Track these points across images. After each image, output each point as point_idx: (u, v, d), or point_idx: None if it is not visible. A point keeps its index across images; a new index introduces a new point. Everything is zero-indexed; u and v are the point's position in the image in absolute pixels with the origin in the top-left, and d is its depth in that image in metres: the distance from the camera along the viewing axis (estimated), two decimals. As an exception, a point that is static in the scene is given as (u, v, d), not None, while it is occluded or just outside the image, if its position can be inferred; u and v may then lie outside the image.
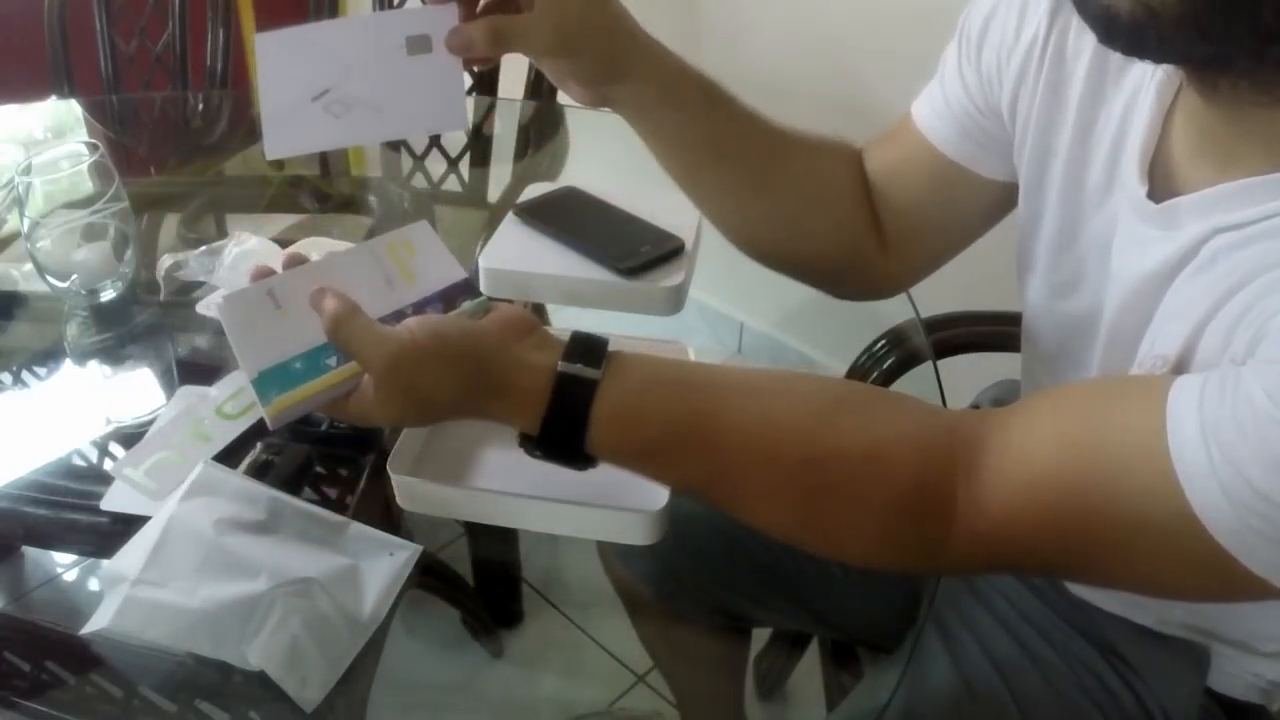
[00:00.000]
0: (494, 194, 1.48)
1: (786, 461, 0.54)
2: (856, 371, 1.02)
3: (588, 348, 0.56)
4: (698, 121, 0.71)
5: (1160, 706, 0.71)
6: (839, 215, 0.76)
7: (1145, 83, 0.58)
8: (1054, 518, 0.49)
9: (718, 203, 0.76)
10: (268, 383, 0.57)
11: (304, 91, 0.64)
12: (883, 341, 1.01)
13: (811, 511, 0.55)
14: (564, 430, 0.54)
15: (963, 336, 1.08)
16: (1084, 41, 0.62)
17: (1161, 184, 0.56)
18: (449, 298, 0.61)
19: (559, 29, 0.64)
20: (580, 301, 0.99)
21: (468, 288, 0.62)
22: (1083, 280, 0.65)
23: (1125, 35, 0.47)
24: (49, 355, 1.00)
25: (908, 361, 1.00)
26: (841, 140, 0.79)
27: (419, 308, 0.59)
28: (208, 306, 0.99)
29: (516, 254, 0.99)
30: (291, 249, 0.67)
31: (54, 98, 1.70)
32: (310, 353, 0.57)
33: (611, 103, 0.70)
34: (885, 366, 1.00)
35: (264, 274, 0.61)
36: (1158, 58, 0.50)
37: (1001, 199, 0.72)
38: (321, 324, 0.56)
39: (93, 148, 0.93)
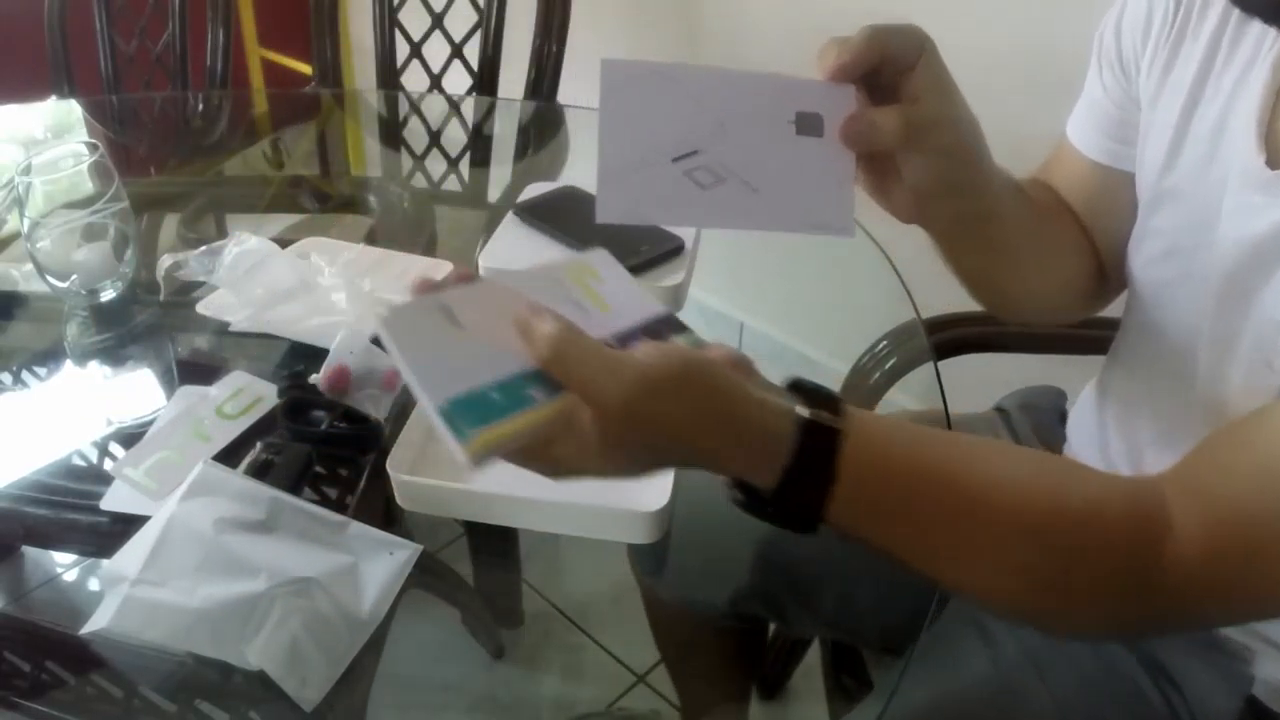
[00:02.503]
0: (494, 194, 1.48)
1: (1017, 523, 0.51)
2: (859, 372, 1.02)
3: (820, 394, 0.50)
4: (995, 228, 0.68)
5: (1193, 717, 0.70)
6: (1071, 260, 0.77)
7: (1260, 56, 0.60)
8: (1260, 550, 0.49)
9: (970, 275, 0.75)
10: (461, 414, 0.45)
11: (663, 145, 0.52)
12: (884, 342, 1.01)
13: (1040, 576, 0.51)
14: (808, 483, 0.48)
15: (969, 336, 1.08)
16: (1206, 18, 0.64)
17: (1274, 154, 0.58)
18: (653, 331, 0.51)
19: (956, 127, 0.57)
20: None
21: (672, 321, 0.52)
22: (1182, 248, 0.66)
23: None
24: (49, 355, 1.00)
25: (911, 362, 1.00)
26: (1039, 183, 0.79)
27: (623, 340, 0.49)
28: (208, 306, 1.00)
29: (516, 254, 0.99)
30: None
31: (54, 98, 1.70)
32: (509, 381, 0.46)
33: (936, 218, 0.63)
34: (887, 367, 1.00)
35: (428, 287, 0.50)
36: None
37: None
38: (522, 347, 0.47)
39: (93, 148, 0.93)
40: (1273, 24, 0.54)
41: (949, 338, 1.06)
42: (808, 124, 0.54)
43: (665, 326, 0.52)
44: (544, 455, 0.47)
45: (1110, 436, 0.79)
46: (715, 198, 0.53)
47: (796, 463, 0.47)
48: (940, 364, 0.94)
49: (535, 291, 0.50)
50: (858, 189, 0.58)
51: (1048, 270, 0.76)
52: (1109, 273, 0.79)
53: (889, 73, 0.56)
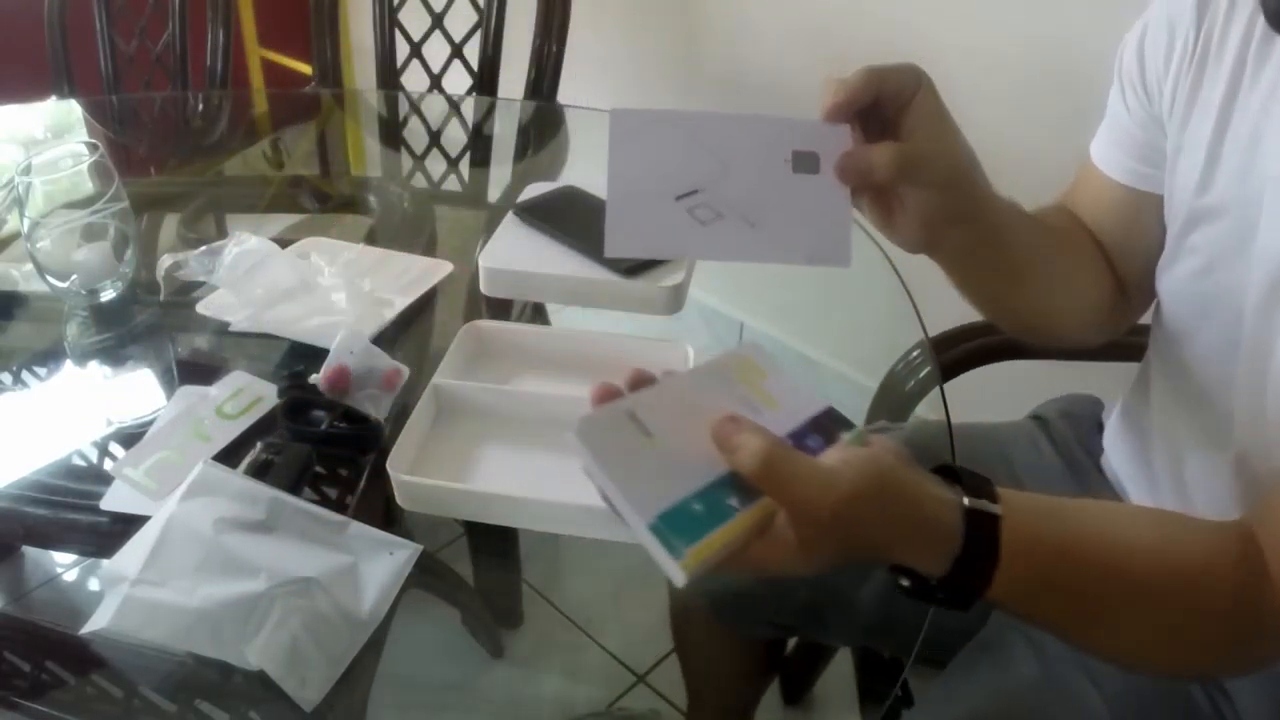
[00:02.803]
0: (494, 194, 1.48)
1: (1149, 586, 0.54)
2: (893, 380, 1.03)
3: (976, 480, 0.53)
4: (1002, 253, 0.69)
5: None
6: (1087, 278, 0.78)
7: None
8: None
9: (980, 298, 0.76)
10: (672, 530, 0.46)
11: (666, 185, 0.56)
12: (917, 351, 1.02)
13: (1175, 633, 0.55)
14: (975, 569, 0.51)
15: (996, 345, 1.08)
16: (1228, 39, 0.65)
17: None
18: (822, 427, 0.53)
19: (952, 159, 0.59)
20: (580, 301, 0.99)
21: (835, 416, 0.54)
22: (1220, 262, 0.67)
23: None
24: (49, 355, 1.00)
25: (946, 371, 1.00)
26: (1060, 208, 0.81)
27: (796, 439, 0.51)
28: (208, 306, 1.00)
29: (516, 254, 0.99)
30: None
31: (54, 98, 1.70)
32: (707, 491, 0.48)
33: (941, 246, 0.65)
34: (922, 375, 1.00)
35: (610, 393, 0.52)
36: None
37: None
38: (716, 456, 0.49)
39: (93, 148, 0.93)
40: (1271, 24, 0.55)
41: (980, 346, 1.07)
42: (804, 162, 0.57)
43: (832, 423, 0.54)
44: (742, 560, 0.49)
45: (1154, 443, 0.80)
46: (715, 232, 0.56)
47: (966, 550, 0.50)
48: (972, 373, 0.94)
49: (711, 393, 0.53)
50: (864, 221, 0.61)
51: (1061, 294, 0.77)
52: (1131, 294, 0.80)
53: (886, 109, 0.57)
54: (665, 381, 0.53)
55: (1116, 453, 0.87)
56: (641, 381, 0.53)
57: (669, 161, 0.56)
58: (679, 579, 0.45)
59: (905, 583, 0.53)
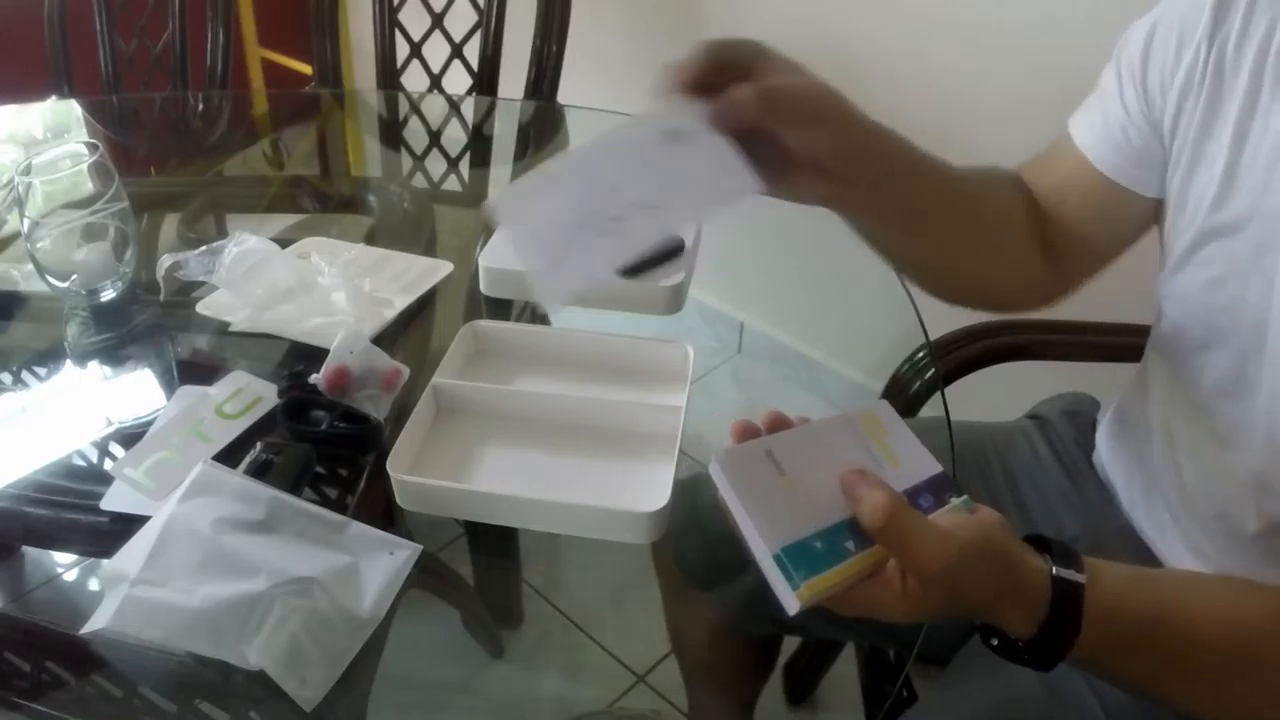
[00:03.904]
0: (494, 194, 1.48)
1: (1223, 650, 0.57)
2: (899, 382, 1.03)
3: (1065, 550, 0.56)
4: (905, 195, 0.68)
5: None
6: (1007, 245, 0.78)
7: None
8: None
9: (888, 251, 0.76)
10: (793, 562, 0.50)
11: (566, 226, 0.58)
12: (923, 353, 1.02)
13: (1246, 692, 0.58)
14: (1060, 633, 0.54)
15: (999, 347, 1.08)
16: (1243, 57, 0.65)
17: None
18: (935, 489, 0.57)
19: (818, 91, 0.60)
20: (580, 301, 0.99)
21: (948, 481, 0.58)
22: (1238, 274, 0.67)
23: None
24: (49, 355, 1.00)
25: (952, 373, 1.00)
26: (996, 169, 0.81)
27: (911, 497, 0.55)
28: (208, 306, 1.00)
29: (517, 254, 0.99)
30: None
31: (54, 98, 1.70)
32: (829, 531, 0.52)
33: (843, 197, 0.65)
34: (927, 377, 1.01)
35: (749, 431, 0.56)
36: None
37: (1157, 213, 0.76)
38: (842, 502, 0.53)
39: (93, 148, 0.93)
40: None
41: (983, 348, 1.07)
42: (676, 138, 0.59)
43: (945, 487, 0.57)
44: (849, 599, 0.52)
45: (1154, 443, 0.80)
46: (629, 233, 0.57)
47: (1051, 617, 0.54)
48: (994, 370, 0.94)
49: (841, 442, 0.57)
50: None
51: (979, 260, 0.77)
52: (1070, 273, 0.79)
53: (732, 78, 0.59)
54: (801, 427, 0.57)
55: (1110, 451, 0.87)
56: (778, 423, 0.57)
57: (560, 208, 0.58)
58: (793, 608, 0.50)
59: (994, 641, 0.57)
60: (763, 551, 0.51)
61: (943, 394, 0.93)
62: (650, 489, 0.74)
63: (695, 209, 0.61)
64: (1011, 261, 0.78)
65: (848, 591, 0.52)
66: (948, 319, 1.06)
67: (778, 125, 0.58)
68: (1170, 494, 0.77)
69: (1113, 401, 0.90)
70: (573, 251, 0.57)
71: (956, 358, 1.05)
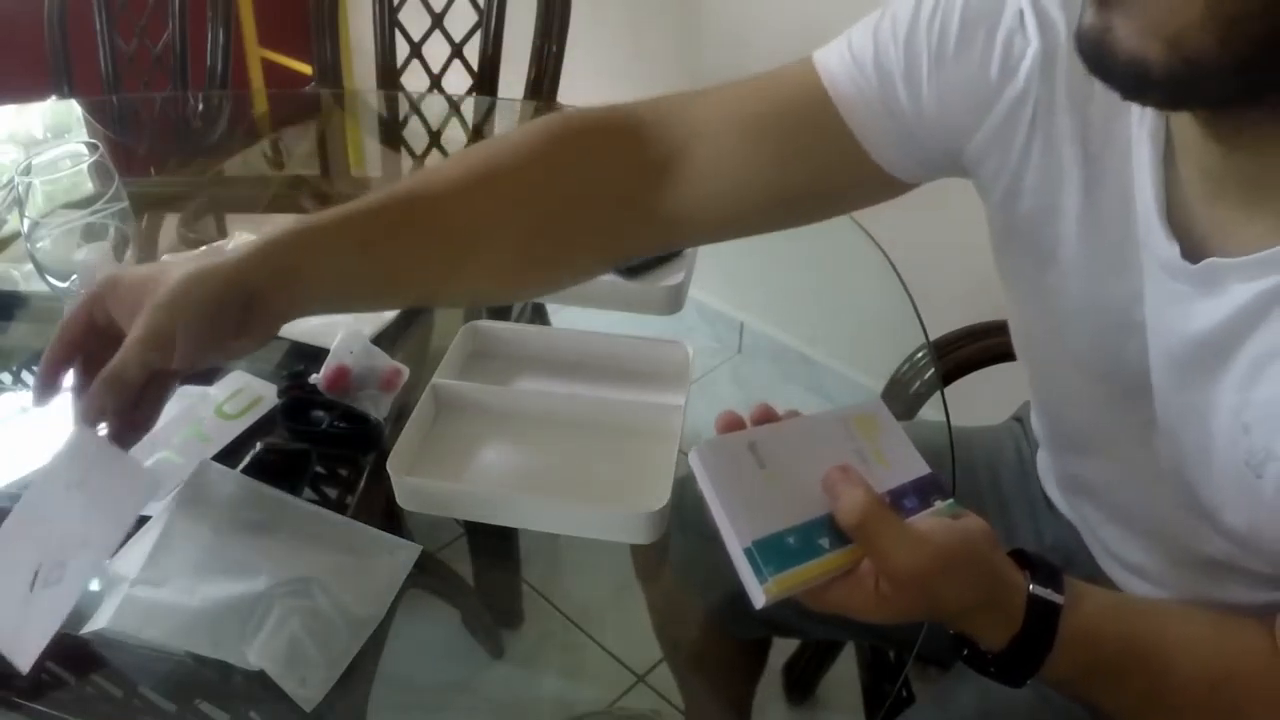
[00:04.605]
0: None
1: (1199, 687, 0.56)
2: (898, 382, 1.03)
3: (1048, 568, 0.55)
4: (374, 279, 0.70)
5: None
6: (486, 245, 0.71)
7: (1135, 134, 0.56)
8: None
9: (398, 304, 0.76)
10: (763, 556, 0.50)
11: (12, 585, 0.63)
12: (922, 353, 1.02)
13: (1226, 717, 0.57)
14: (1030, 650, 0.54)
15: (995, 348, 1.08)
16: (1072, 98, 0.58)
17: (1186, 241, 0.54)
18: (922, 491, 0.56)
19: (143, 289, 0.62)
20: (580, 301, 0.99)
21: (938, 483, 0.57)
22: (1110, 339, 0.62)
23: (1160, 89, 0.46)
24: (49, 355, 1.00)
25: (950, 373, 1.00)
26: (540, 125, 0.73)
27: (895, 497, 0.55)
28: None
29: None
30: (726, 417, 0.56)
31: (54, 98, 1.70)
32: (804, 528, 0.52)
33: (266, 330, 0.69)
34: (927, 377, 1.00)
35: (734, 423, 0.55)
36: (1194, 105, 0.49)
37: (867, 186, 0.68)
38: (821, 499, 0.52)
39: (93, 148, 0.93)
40: (1167, 108, 0.51)
41: (982, 348, 1.06)
42: (78, 483, 0.64)
43: (932, 490, 0.57)
44: (821, 596, 0.52)
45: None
46: (70, 574, 0.62)
47: (1024, 633, 0.53)
48: (995, 370, 0.94)
49: (829, 439, 0.56)
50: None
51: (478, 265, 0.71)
52: (679, 202, 0.71)
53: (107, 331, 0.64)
54: (790, 421, 0.57)
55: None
56: (767, 416, 0.56)
57: (19, 564, 0.63)
58: (759, 601, 0.50)
59: (964, 651, 0.57)
60: (734, 545, 0.51)
61: (943, 394, 0.93)
62: (650, 489, 0.74)
63: (117, 528, 0.65)
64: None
65: (820, 589, 0.52)
66: (948, 319, 1.07)
67: (142, 351, 0.61)
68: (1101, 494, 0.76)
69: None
70: (32, 615, 0.62)
71: (956, 358, 1.05)
